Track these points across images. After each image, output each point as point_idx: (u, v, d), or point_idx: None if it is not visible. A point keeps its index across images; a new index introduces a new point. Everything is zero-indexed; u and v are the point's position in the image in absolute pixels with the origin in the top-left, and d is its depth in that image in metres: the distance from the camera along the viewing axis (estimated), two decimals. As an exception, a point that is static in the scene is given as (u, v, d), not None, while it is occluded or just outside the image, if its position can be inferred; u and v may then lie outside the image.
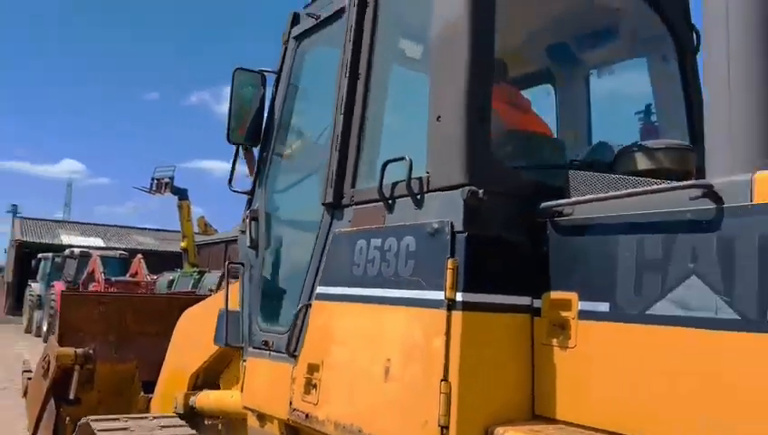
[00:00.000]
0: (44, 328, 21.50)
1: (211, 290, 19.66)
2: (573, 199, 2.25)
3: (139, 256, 26.59)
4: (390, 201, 2.56)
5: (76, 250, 26.64)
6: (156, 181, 27.56)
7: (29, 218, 45.17)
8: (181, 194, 28.72)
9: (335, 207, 2.86)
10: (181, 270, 27.82)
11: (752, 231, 1.73)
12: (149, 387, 4.70)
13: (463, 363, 2.11)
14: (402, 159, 2.48)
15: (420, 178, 2.43)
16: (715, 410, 1.71)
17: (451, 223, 2.23)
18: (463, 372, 2.11)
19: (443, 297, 2.17)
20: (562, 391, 2.14)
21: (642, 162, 2.50)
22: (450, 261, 2.18)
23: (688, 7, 3.17)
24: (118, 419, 3.84)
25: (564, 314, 2.17)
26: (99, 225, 47.21)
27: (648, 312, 1.92)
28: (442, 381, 2.12)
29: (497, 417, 2.14)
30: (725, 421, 1.68)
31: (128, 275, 23.97)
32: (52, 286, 22.93)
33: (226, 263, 3.42)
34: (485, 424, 2.11)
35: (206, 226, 36.59)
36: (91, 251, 25.99)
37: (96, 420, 3.77)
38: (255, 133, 3.51)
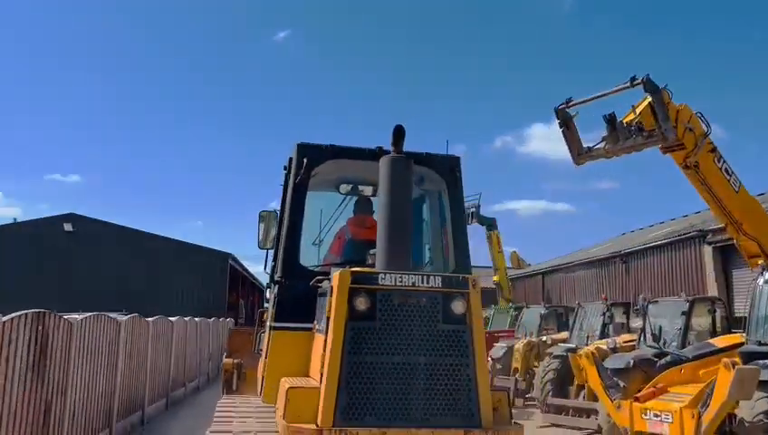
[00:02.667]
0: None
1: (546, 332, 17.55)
2: (317, 278, 4.82)
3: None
4: (273, 283, 5.45)
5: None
6: (461, 212, 26.60)
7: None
8: (489, 224, 27.36)
9: (273, 282, 5.52)
10: (496, 306, 26.28)
11: (314, 289, 4.82)
12: None
13: (270, 352, 5.05)
14: (276, 260, 5.55)
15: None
16: (316, 359, 4.31)
17: (275, 294, 5.24)
18: (270, 355, 5.02)
19: (269, 324, 5.26)
20: (310, 363, 4.60)
21: (369, 259, 4.62)
22: (271, 310, 5.28)
23: (457, 169, 5.54)
24: (234, 399, 6.09)
25: (313, 330, 4.73)
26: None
27: (317, 327, 4.59)
28: (265, 359, 5.17)
29: (289, 373, 4.51)
30: (315, 361, 4.33)
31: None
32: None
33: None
34: (280, 376, 4.49)
35: (519, 260, 34.83)
36: None
37: (223, 399, 6.20)
38: (275, 243, 5.88)
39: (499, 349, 18.03)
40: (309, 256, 5.71)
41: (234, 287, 34.77)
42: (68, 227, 29.96)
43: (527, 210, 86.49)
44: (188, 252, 31.24)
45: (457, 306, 3.86)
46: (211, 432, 4.57)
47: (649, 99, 8.89)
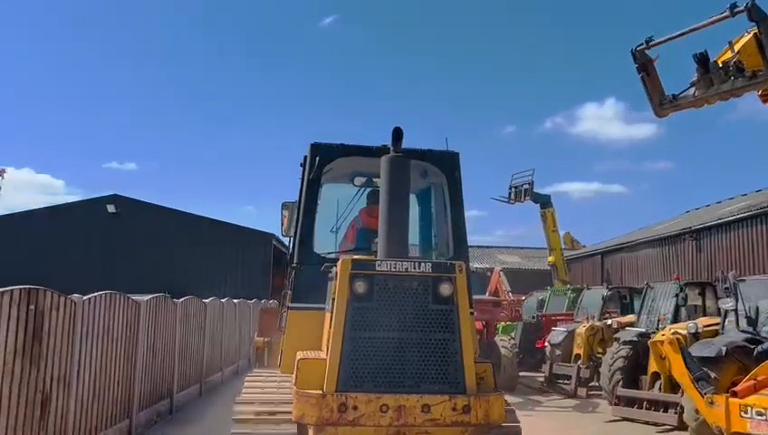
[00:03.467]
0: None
1: (606, 316, 16.21)
2: (326, 264, 5.33)
3: (497, 268, 24.32)
4: (293, 269, 5.99)
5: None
6: (514, 189, 25.22)
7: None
8: (543, 201, 25.80)
9: (290, 268, 6.13)
10: (551, 288, 24.71)
11: (325, 273, 5.23)
12: None
13: (288, 329, 5.83)
14: (294, 248, 6.12)
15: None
16: (325, 335, 4.71)
17: (292, 278, 5.96)
18: (287, 332, 5.83)
19: (287, 305, 6.00)
20: (323, 339, 4.85)
21: (374, 247, 5.13)
22: (288, 293, 6.05)
23: (455, 164, 6.22)
24: (262, 372, 6.67)
25: (325, 310, 5.00)
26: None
27: (326, 307, 4.93)
28: (282, 336, 5.98)
29: (303, 348, 5.00)
30: (324, 337, 4.78)
31: (487, 292, 21.61)
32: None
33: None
34: (295, 350, 4.96)
35: (572, 241, 33.13)
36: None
37: (252, 372, 6.92)
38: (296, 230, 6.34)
39: (558, 333, 16.58)
40: (327, 243, 6.44)
41: (279, 269, 34.04)
42: (111, 208, 29.61)
43: (579, 192, 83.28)
44: (232, 233, 30.60)
45: (445, 289, 4.34)
46: (238, 399, 5.08)
47: (753, 31, 7.35)
